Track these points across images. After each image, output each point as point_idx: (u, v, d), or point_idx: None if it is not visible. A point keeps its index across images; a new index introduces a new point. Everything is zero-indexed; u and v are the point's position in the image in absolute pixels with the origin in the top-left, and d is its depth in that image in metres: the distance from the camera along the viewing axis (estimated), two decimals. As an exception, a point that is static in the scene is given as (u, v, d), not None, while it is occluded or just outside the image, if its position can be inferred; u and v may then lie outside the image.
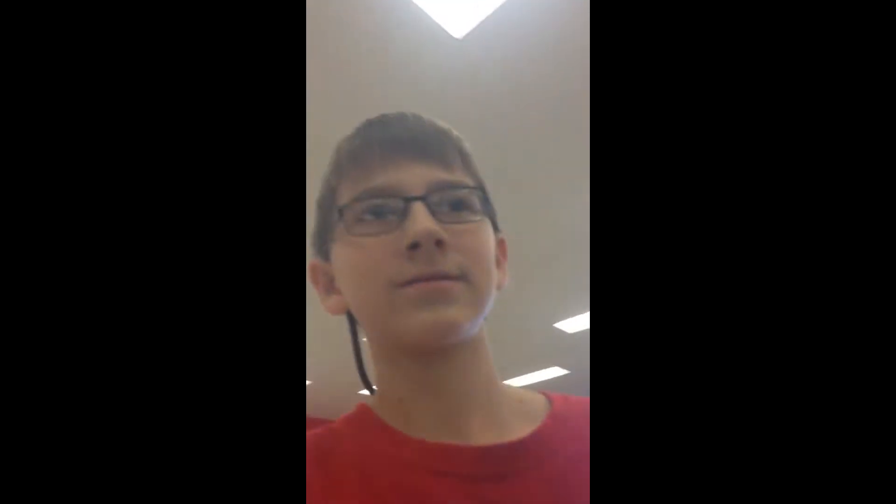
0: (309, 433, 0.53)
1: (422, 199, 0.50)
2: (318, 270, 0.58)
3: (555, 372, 6.42)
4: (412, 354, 0.52)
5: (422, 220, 0.49)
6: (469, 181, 0.54)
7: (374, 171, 0.52)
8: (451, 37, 2.13)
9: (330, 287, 0.57)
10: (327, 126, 1.94)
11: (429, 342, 0.49)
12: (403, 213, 0.50)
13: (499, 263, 0.57)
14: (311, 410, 6.76)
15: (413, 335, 0.49)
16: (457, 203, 0.52)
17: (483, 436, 0.52)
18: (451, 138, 0.55)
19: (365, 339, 0.58)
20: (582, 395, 0.59)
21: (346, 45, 2.13)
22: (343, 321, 0.60)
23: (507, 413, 0.55)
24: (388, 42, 2.13)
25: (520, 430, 0.53)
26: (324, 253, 0.57)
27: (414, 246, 0.49)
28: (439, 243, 0.49)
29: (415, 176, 0.52)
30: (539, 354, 5.85)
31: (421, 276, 0.49)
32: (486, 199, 0.55)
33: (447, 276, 0.49)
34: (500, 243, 0.59)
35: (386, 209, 0.51)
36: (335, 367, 5.24)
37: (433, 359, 0.52)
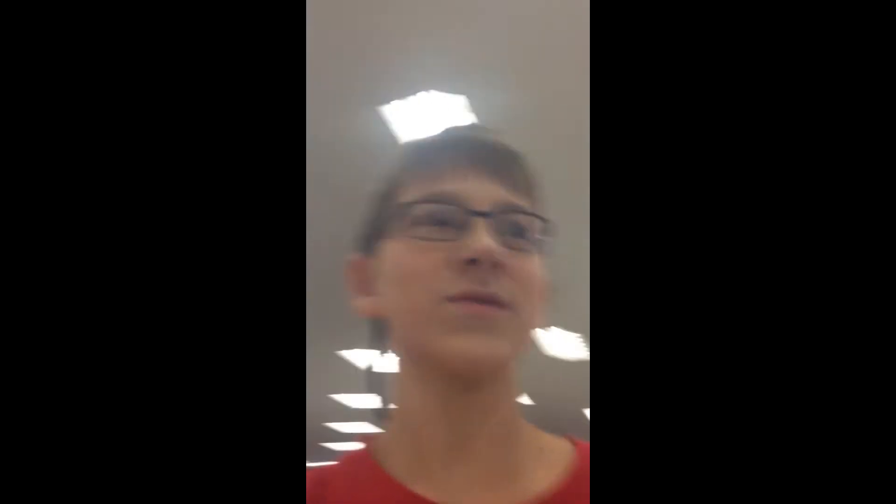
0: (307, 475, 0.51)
1: (486, 215, 0.48)
2: (356, 267, 0.56)
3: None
4: (439, 376, 0.49)
5: (484, 236, 0.47)
6: (533, 209, 0.52)
7: (442, 177, 0.50)
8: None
9: (365, 287, 0.55)
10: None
11: (465, 369, 0.47)
12: (464, 226, 0.48)
13: (542, 312, 0.54)
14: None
15: (450, 358, 0.46)
16: (518, 229, 0.50)
17: (497, 496, 0.48)
18: (524, 164, 0.53)
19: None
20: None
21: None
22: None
23: (523, 460, 0.51)
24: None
25: (532, 484, 0.49)
26: (369, 249, 0.55)
27: (471, 262, 0.47)
28: (497, 265, 0.47)
29: (483, 191, 0.50)
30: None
31: (471, 294, 0.46)
32: (545, 232, 0.53)
33: (497, 300, 0.47)
34: (546, 291, 0.56)
35: (448, 218, 0.49)
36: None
37: (460, 385, 0.49)
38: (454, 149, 0.51)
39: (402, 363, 0.52)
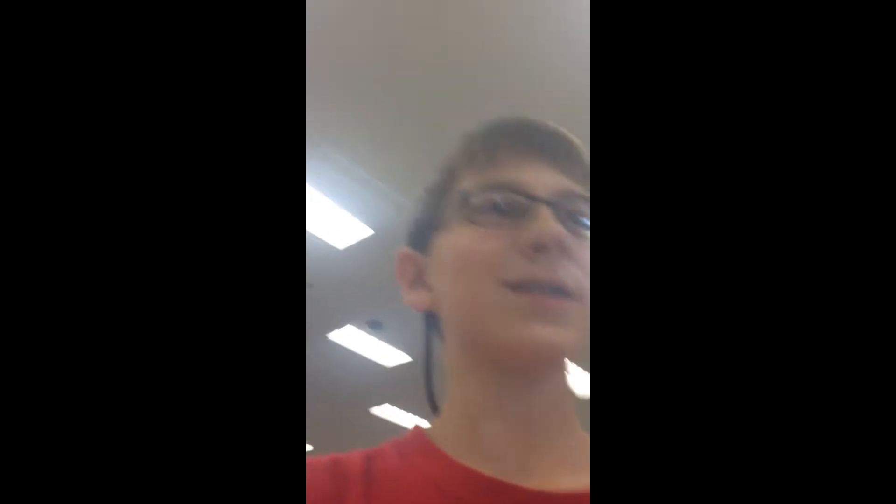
0: (354, 452, 0.49)
1: (549, 202, 0.47)
2: (408, 260, 0.54)
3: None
4: (501, 367, 0.47)
5: (552, 221, 0.45)
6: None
7: (504, 166, 0.49)
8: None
9: (418, 280, 0.53)
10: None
11: (534, 361, 0.45)
12: (526, 213, 0.47)
13: None
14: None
15: (519, 348, 0.44)
16: (577, 215, 0.49)
17: (551, 479, 0.46)
18: (579, 151, 0.52)
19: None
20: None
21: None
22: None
23: (581, 454, 0.48)
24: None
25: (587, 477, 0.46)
26: (421, 243, 0.53)
27: (539, 247, 0.45)
28: (564, 251, 0.45)
29: (543, 178, 0.49)
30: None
31: (540, 281, 0.45)
32: None
33: (565, 290, 0.45)
34: None
35: (509, 205, 0.47)
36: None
37: (522, 376, 0.47)
38: (512, 137, 0.50)
39: (457, 357, 0.50)
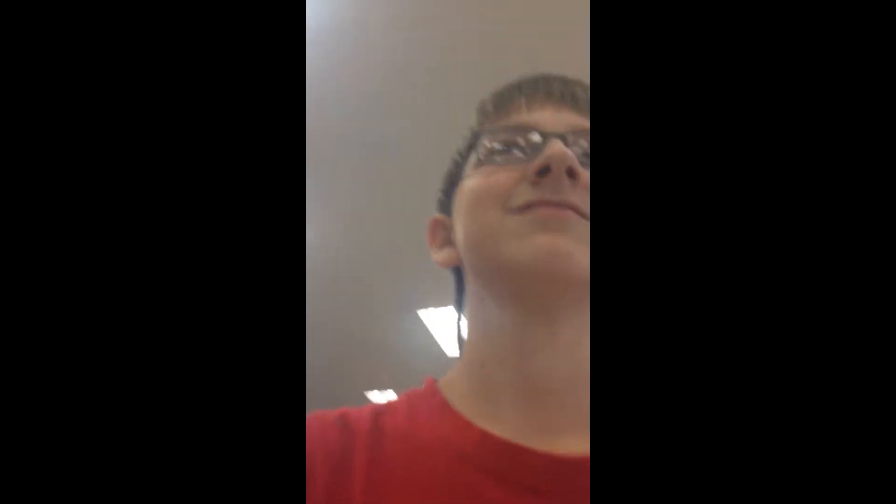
0: (365, 407, 0.49)
1: (561, 136, 0.46)
2: (437, 225, 0.56)
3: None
4: (514, 305, 0.45)
5: (558, 144, 0.45)
6: None
7: (517, 112, 0.50)
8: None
9: (446, 241, 0.54)
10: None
11: (539, 268, 0.42)
12: (539, 150, 0.46)
13: None
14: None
15: (522, 258, 0.43)
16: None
17: (568, 441, 0.43)
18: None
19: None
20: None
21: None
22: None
23: None
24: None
25: None
26: (448, 206, 0.54)
27: (543, 171, 0.44)
28: (571, 173, 0.44)
29: (558, 118, 0.49)
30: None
31: (542, 200, 0.44)
32: None
33: (575, 207, 0.44)
34: None
35: (523, 145, 0.48)
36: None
37: (535, 314, 0.45)
38: (524, 88, 0.51)
39: (478, 300, 0.50)
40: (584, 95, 0.51)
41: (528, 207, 0.44)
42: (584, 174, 0.45)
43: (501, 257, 0.44)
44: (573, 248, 0.43)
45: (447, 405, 0.48)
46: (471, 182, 0.49)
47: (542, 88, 0.51)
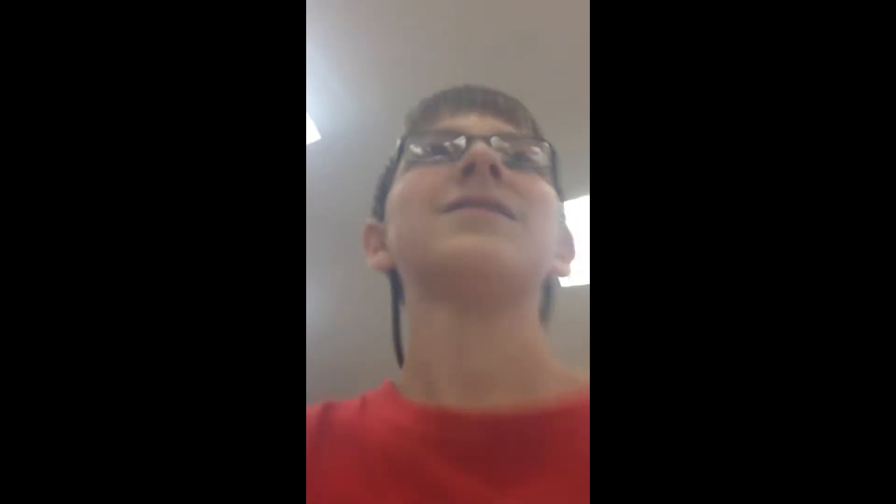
0: (316, 405, 0.50)
1: (485, 138, 0.48)
2: (371, 231, 0.56)
3: None
4: (449, 302, 0.46)
5: (482, 145, 0.46)
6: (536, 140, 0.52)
7: (442, 118, 0.52)
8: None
9: (379, 246, 0.55)
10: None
11: (467, 266, 0.44)
12: (464, 151, 0.47)
13: (563, 257, 0.53)
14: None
15: (448, 256, 0.44)
16: (521, 156, 0.50)
17: (500, 402, 0.44)
18: (522, 106, 0.54)
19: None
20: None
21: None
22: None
23: (542, 390, 0.46)
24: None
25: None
26: (380, 212, 0.55)
27: (468, 170, 0.46)
28: (495, 171, 0.46)
29: (483, 123, 0.50)
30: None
31: (469, 198, 0.45)
32: (553, 168, 0.52)
33: (500, 206, 0.45)
34: (566, 238, 0.54)
35: (448, 148, 0.49)
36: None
37: (469, 310, 0.46)
38: (452, 94, 0.53)
39: (416, 299, 0.50)
40: (506, 104, 0.53)
41: (455, 206, 0.45)
42: (509, 173, 0.47)
43: (431, 256, 0.45)
44: (500, 245, 0.44)
45: (395, 395, 0.49)
46: (400, 185, 0.50)
47: (466, 97, 0.53)
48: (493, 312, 0.46)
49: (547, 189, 0.49)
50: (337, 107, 2.12)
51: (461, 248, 0.44)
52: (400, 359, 0.54)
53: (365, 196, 0.62)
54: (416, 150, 0.50)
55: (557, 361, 0.49)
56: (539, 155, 0.51)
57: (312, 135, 2.26)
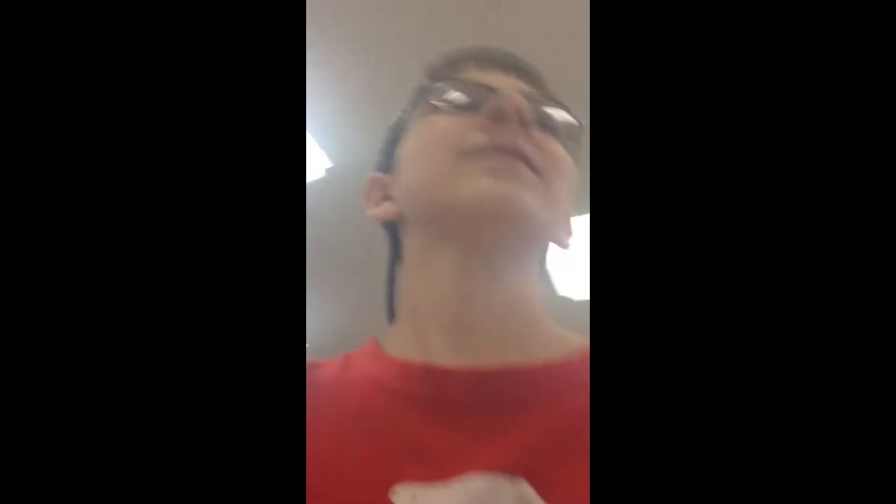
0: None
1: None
2: (374, 183, 0.54)
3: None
4: (457, 248, 0.45)
5: (512, 92, 0.45)
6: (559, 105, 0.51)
7: (468, 71, 0.50)
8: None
9: (382, 198, 0.53)
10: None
11: (491, 210, 0.43)
12: (491, 99, 0.46)
13: (566, 231, 0.51)
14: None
15: (476, 199, 0.43)
16: (546, 121, 0.48)
17: (489, 358, 0.43)
18: (544, 75, 0.53)
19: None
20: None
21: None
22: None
23: (534, 344, 0.45)
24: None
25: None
26: (387, 164, 0.53)
27: (497, 116, 0.44)
28: (523, 121, 0.45)
29: (507, 82, 0.49)
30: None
31: (497, 145, 0.44)
32: (574, 138, 0.51)
33: (525, 158, 0.44)
34: (569, 214, 0.53)
35: (472, 99, 0.47)
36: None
37: (477, 257, 0.45)
38: (477, 51, 0.52)
39: (418, 249, 0.49)
40: (529, 67, 0.52)
41: (480, 151, 0.44)
42: (542, 140, 0.46)
43: (454, 198, 0.44)
44: (526, 195, 0.43)
45: (379, 351, 0.48)
46: (422, 128, 0.49)
47: (489, 55, 0.52)
48: (500, 263, 0.45)
49: (566, 155, 0.48)
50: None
51: (490, 191, 0.43)
52: (391, 315, 0.53)
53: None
54: (439, 98, 0.48)
55: (555, 323, 0.49)
56: (560, 122, 0.50)
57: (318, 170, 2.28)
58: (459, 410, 0.41)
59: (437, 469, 0.38)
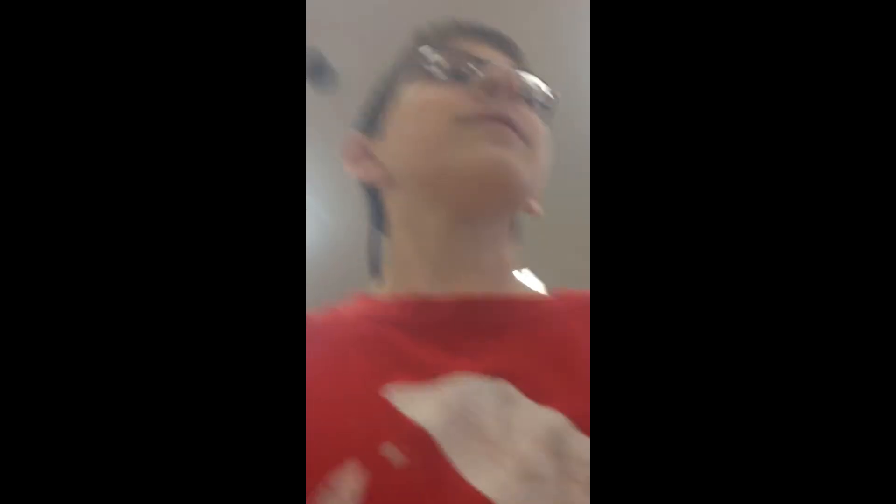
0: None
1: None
2: (356, 142, 0.56)
3: None
4: (446, 210, 0.48)
5: (503, 65, 0.48)
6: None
7: (459, 43, 0.52)
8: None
9: (364, 157, 0.54)
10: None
11: (488, 177, 0.46)
12: (483, 71, 0.48)
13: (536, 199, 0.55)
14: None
15: (474, 165, 0.46)
16: (531, 95, 0.52)
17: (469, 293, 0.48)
18: (523, 52, 0.55)
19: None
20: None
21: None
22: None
23: (510, 289, 0.51)
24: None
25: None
26: (371, 127, 0.55)
27: (490, 87, 0.47)
28: (514, 96, 0.48)
29: (494, 56, 0.52)
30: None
31: (491, 113, 0.47)
32: (547, 104, 0.54)
33: (518, 128, 0.47)
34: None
35: (466, 67, 0.49)
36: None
37: (465, 219, 0.48)
38: (467, 25, 0.54)
39: (405, 209, 0.51)
40: (513, 44, 0.54)
41: (475, 119, 0.47)
42: (529, 113, 0.49)
43: (451, 163, 0.46)
44: (520, 164, 0.46)
45: (365, 296, 0.51)
46: (414, 93, 0.50)
47: (478, 29, 0.54)
48: (485, 225, 0.49)
49: (545, 128, 0.52)
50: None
51: (489, 157, 0.46)
52: (374, 270, 0.55)
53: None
54: (433, 61, 0.50)
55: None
56: (538, 94, 0.53)
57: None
58: (444, 330, 0.45)
59: (424, 375, 0.41)
